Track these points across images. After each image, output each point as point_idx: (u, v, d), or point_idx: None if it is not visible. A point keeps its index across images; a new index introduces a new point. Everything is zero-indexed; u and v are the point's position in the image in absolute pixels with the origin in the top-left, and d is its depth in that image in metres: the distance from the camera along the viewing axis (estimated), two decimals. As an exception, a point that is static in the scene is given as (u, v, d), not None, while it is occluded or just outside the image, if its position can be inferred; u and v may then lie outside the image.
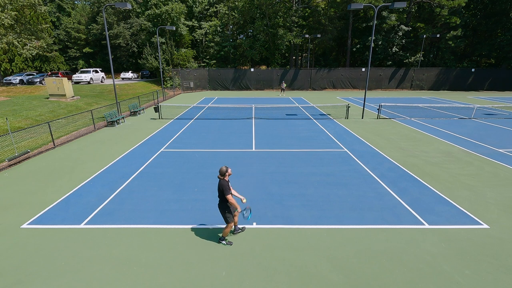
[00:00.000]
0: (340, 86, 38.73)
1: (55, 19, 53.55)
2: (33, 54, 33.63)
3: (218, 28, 44.44)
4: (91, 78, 34.06)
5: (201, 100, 28.83)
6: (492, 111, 21.48)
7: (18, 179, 9.32)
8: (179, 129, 16.11)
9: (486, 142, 13.09)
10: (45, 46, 34.45)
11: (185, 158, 11.11)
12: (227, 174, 5.41)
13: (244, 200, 5.59)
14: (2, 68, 41.79)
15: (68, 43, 52.90)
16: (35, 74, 34.62)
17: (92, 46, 52.33)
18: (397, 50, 39.79)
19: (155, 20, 36.52)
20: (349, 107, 19.37)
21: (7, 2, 28.10)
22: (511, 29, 37.37)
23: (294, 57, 47.86)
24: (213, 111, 21.89)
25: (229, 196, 5.33)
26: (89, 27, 50.70)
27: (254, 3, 38.24)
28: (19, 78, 31.77)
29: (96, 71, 36.31)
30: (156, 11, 35.53)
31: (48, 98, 22.71)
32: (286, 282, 4.89)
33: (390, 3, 17.33)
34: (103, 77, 37.01)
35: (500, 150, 11.92)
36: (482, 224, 6.55)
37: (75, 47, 52.84)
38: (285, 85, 33.39)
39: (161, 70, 29.29)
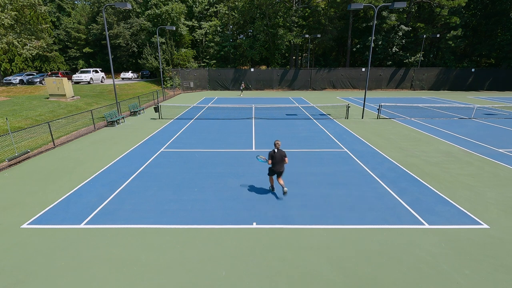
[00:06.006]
0: (340, 86, 38.73)
1: (55, 19, 53.57)
2: (33, 54, 33.64)
3: (218, 28, 44.44)
4: (91, 78, 34.07)
5: (201, 100, 28.82)
6: (492, 111, 21.47)
7: (18, 179, 9.31)
8: (179, 129, 16.11)
9: (486, 142, 13.08)
10: (45, 46, 34.46)
11: (185, 158, 11.11)
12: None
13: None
14: (2, 68, 41.81)
15: (68, 43, 52.93)
16: (35, 74, 34.65)
17: (92, 46, 52.36)
18: (397, 50, 39.77)
19: (155, 20, 36.53)
20: (349, 107, 19.37)
21: (7, 2, 28.10)
22: (511, 29, 37.37)
23: (294, 57, 47.83)
24: (213, 111, 21.88)
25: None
26: (89, 27, 50.72)
27: (254, 3, 38.24)
28: (19, 78, 31.80)
29: (96, 71, 36.32)
30: (156, 11, 35.54)
31: (48, 98, 22.71)
32: (286, 282, 4.89)
33: (390, 3, 17.32)
34: (103, 77, 37.02)
35: (500, 150, 11.92)
36: (482, 224, 6.55)
37: (75, 47, 52.87)
38: (243, 86, 34.12)
39: (161, 70, 29.29)
